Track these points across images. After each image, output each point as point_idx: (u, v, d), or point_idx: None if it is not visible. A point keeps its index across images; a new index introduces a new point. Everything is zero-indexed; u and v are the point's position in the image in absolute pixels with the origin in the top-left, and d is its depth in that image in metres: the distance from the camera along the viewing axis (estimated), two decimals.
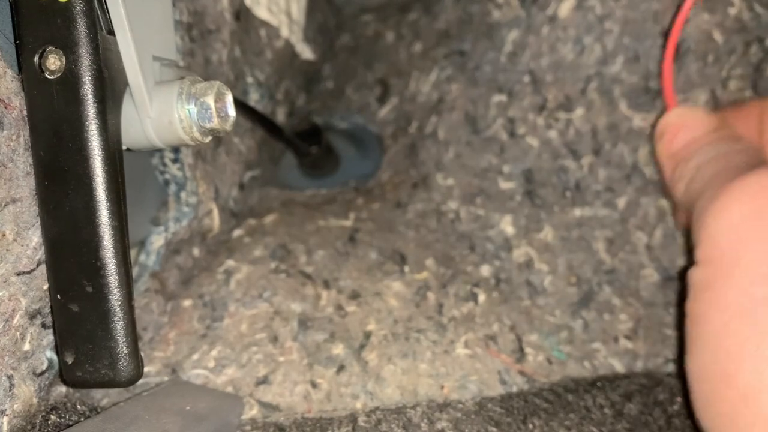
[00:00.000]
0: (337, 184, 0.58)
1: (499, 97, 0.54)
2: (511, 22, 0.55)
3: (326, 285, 0.43)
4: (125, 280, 0.26)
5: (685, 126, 0.39)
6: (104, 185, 0.25)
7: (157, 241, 0.40)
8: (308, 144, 0.55)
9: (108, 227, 0.25)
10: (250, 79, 0.50)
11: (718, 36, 0.49)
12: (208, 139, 0.28)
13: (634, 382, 0.40)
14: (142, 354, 0.39)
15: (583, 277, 0.47)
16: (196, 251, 0.43)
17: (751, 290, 0.28)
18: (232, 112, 0.28)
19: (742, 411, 0.28)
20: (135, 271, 0.40)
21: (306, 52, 0.58)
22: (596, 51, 0.52)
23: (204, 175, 0.41)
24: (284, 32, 0.52)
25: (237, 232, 0.47)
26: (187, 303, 0.42)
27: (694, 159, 0.36)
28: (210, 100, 0.27)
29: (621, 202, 0.49)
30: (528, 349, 0.41)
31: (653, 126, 0.50)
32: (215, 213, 0.42)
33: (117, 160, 0.26)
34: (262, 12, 0.48)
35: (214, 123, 0.28)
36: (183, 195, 0.40)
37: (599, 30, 0.52)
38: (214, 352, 0.39)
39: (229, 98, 0.28)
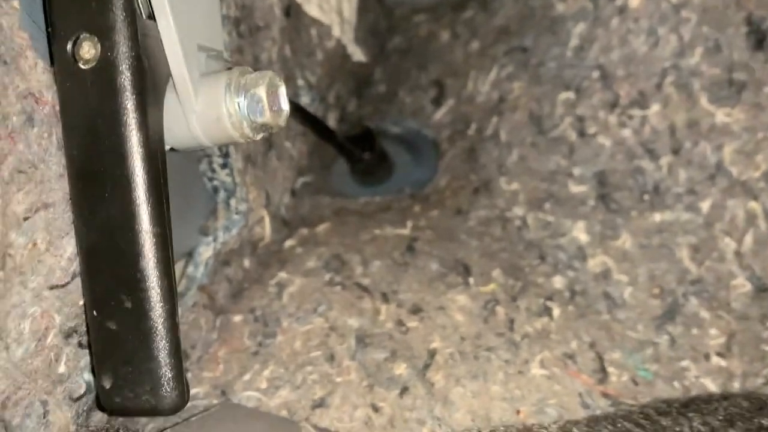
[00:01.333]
0: (392, 191, 0.55)
1: (567, 95, 0.50)
2: (577, 14, 0.51)
3: (385, 298, 0.40)
4: (169, 294, 0.23)
5: None
6: (145, 188, 0.22)
7: (206, 251, 0.37)
8: (361, 149, 0.53)
9: (149, 234, 0.22)
10: (300, 81, 0.47)
11: None
12: (260, 135, 0.25)
13: (733, 404, 0.35)
14: (189, 374, 0.36)
15: (666, 288, 0.43)
16: (246, 262, 0.41)
17: None
18: (285, 105, 0.25)
19: None
20: (182, 284, 0.38)
21: (358, 54, 0.55)
22: (672, 42, 0.48)
23: (255, 181, 0.38)
24: (336, 31, 0.49)
25: (289, 243, 0.45)
26: (237, 318, 0.39)
27: None
28: (262, 92, 0.24)
29: (705, 206, 0.45)
30: (610, 369, 0.37)
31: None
32: (267, 221, 0.39)
33: (159, 159, 0.23)
34: (312, 9, 0.45)
35: (267, 117, 0.25)
36: (233, 202, 0.37)
37: (675, 19, 0.48)
38: (266, 372, 0.36)
39: (283, 90, 0.25)
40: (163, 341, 0.23)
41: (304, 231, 0.46)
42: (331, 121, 0.55)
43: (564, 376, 0.36)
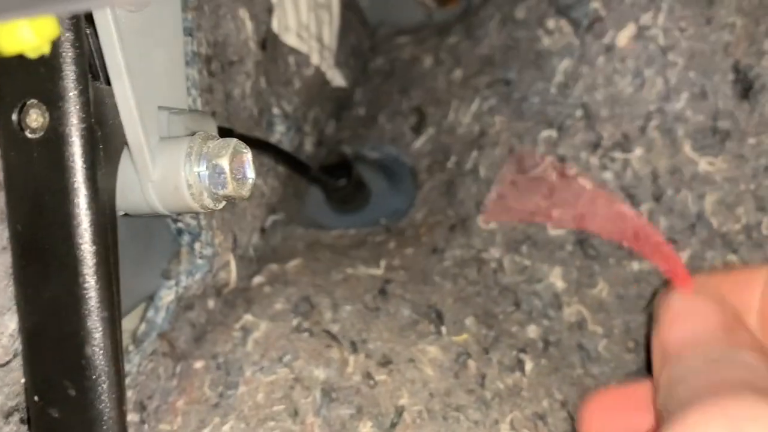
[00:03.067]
0: (368, 221, 0.53)
1: (548, 132, 0.49)
2: (563, 50, 0.50)
3: (354, 348, 0.38)
4: (116, 381, 0.21)
5: (685, 317, 0.32)
6: (92, 268, 0.21)
7: (167, 296, 0.36)
8: (337, 177, 0.51)
9: (96, 319, 0.21)
10: (276, 110, 0.46)
11: None
12: (221, 205, 0.24)
13: None
14: (146, 426, 0.35)
15: (641, 342, 0.42)
16: (211, 303, 0.39)
17: None
18: (251, 173, 0.24)
19: None
20: (142, 328, 0.36)
21: (337, 79, 0.54)
22: (658, 85, 0.47)
23: (221, 224, 0.37)
24: (315, 59, 0.47)
25: (257, 279, 0.43)
26: (198, 365, 0.37)
27: (683, 361, 0.29)
28: (224, 162, 0.23)
29: (684, 256, 0.44)
30: None
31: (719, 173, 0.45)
32: (232, 265, 0.38)
33: (109, 235, 0.21)
34: (291, 39, 0.44)
35: (229, 189, 0.23)
36: (197, 246, 0.36)
37: (662, 62, 0.47)
38: (226, 427, 0.34)
39: (248, 157, 0.24)
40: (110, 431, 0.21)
41: (274, 266, 0.44)
42: (308, 145, 0.53)
43: None
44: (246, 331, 0.39)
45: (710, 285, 0.33)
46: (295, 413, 0.35)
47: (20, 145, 0.21)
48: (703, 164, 0.45)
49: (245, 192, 0.24)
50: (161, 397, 0.35)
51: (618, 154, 0.47)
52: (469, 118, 0.53)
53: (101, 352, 0.21)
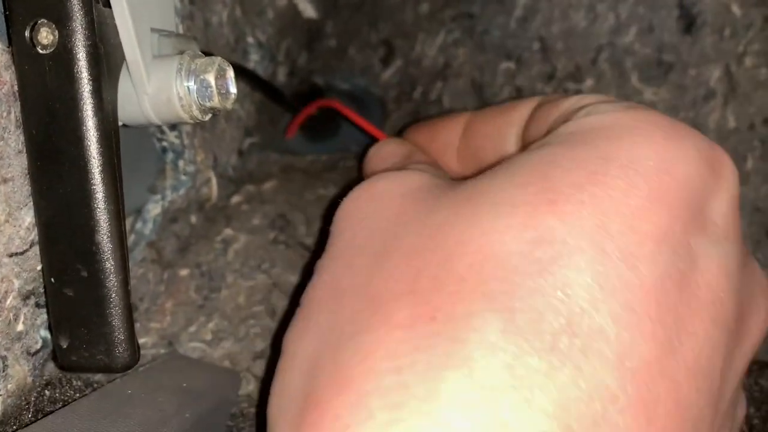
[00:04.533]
0: (338, 149, 0.57)
1: (507, 64, 0.52)
2: None
3: None
4: (121, 265, 0.25)
5: (379, 157, 0.35)
6: (100, 168, 0.24)
7: (154, 209, 0.39)
8: (306, 105, 0.54)
9: (104, 211, 0.24)
10: (250, 40, 0.48)
11: (736, 9, 0.47)
12: (208, 116, 0.27)
13: None
14: (138, 325, 0.38)
15: None
16: (193, 218, 0.42)
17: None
18: (233, 89, 0.27)
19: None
20: (131, 239, 0.39)
21: (308, 10, 0.56)
22: (609, 20, 0.50)
23: (202, 143, 0.40)
24: None
25: (235, 199, 0.46)
26: (184, 272, 0.41)
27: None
28: (210, 78, 0.26)
29: None
30: None
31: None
32: (213, 182, 0.41)
33: (113, 140, 0.25)
34: None
35: (215, 101, 0.26)
36: (181, 163, 0.39)
37: None
38: (211, 325, 0.38)
39: (231, 74, 0.27)
40: (117, 307, 0.25)
41: (251, 188, 0.48)
42: (281, 76, 0.56)
43: None
44: (226, 243, 0.43)
45: (410, 134, 0.39)
46: (273, 313, 0.39)
47: (33, 60, 0.24)
48: (648, 94, 0.49)
49: (229, 105, 0.27)
50: (151, 300, 0.39)
51: (571, 85, 0.50)
52: (435, 51, 0.56)
53: (109, 239, 0.24)
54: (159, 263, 0.40)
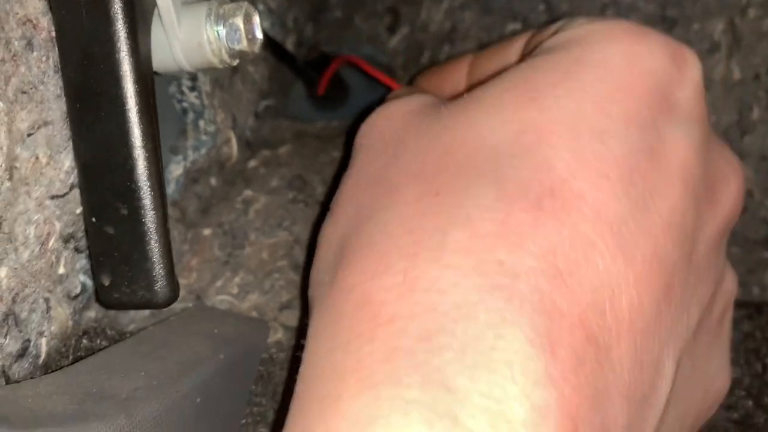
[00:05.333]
0: (348, 115, 0.57)
1: (514, 26, 0.53)
2: None
3: None
4: (160, 202, 0.26)
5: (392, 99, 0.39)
6: (137, 107, 0.25)
7: (176, 169, 0.40)
8: (318, 74, 0.55)
9: (142, 149, 0.25)
10: (261, 6, 0.49)
11: None
12: (236, 61, 0.28)
13: None
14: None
15: None
16: (213, 181, 0.43)
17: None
18: (259, 34, 0.28)
19: None
20: None
21: None
22: None
23: (221, 104, 0.41)
24: None
25: (252, 163, 0.47)
26: (207, 232, 0.42)
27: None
28: (239, 22, 0.27)
29: None
30: None
31: None
32: (233, 141, 0.42)
33: (149, 81, 0.26)
34: None
35: (243, 45, 0.27)
36: (201, 123, 0.40)
37: None
38: (237, 279, 0.39)
39: (257, 20, 0.28)
40: (157, 243, 0.26)
41: (267, 152, 0.49)
42: (289, 45, 0.57)
43: None
44: (247, 203, 0.44)
45: (419, 81, 0.42)
46: (296, 267, 0.40)
47: (69, 5, 0.25)
48: None
49: (256, 48, 0.28)
50: (176, 258, 0.40)
51: None
52: (441, 15, 0.56)
53: (147, 176, 0.25)
54: (183, 222, 0.41)
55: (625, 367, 0.21)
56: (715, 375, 0.32)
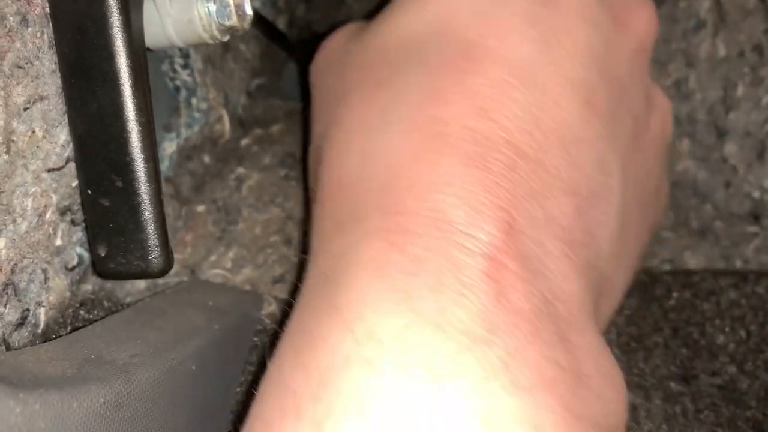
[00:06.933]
0: None
1: None
2: None
3: None
4: (154, 174, 0.27)
5: None
6: (131, 81, 0.26)
7: (170, 147, 0.41)
8: (310, 54, 0.55)
9: (136, 123, 0.26)
10: None
11: None
12: (227, 37, 0.29)
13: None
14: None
15: None
16: (206, 158, 0.44)
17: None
18: (249, 10, 0.29)
19: None
20: None
21: None
22: None
23: (214, 81, 0.41)
24: None
25: (245, 141, 0.48)
26: (200, 208, 0.43)
27: None
28: None
29: None
30: None
31: None
32: (225, 119, 0.43)
33: (141, 56, 0.26)
34: None
35: (234, 21, 0.28)
36: (194, 101, 0.40)
37: None
38: (230, 254, 0.40)
39: None
40: (151, 215, 0.27)
41: (259, 131, 0.49)
42: (281, 25, 0.57)
43: None
44: (240, 180, 0.44)
45: None
46: (289, 242, 0.41)
47: None
48: None
49: (246, 25, 0.28)
50: (171, 233, 0.41)
51: None
52: None
53: (141, 149, 0.26)
54: (177, 199, 0.42)
55: (562, 170, 0.25)
56: (660, 185, 0.35)
